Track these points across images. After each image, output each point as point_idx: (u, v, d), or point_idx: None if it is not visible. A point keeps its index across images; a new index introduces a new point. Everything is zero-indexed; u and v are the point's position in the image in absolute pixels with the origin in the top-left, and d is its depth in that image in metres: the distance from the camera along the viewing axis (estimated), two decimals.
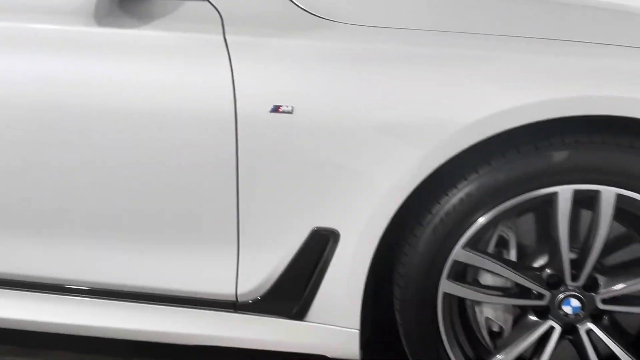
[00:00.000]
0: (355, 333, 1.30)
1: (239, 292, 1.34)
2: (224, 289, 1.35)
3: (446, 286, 1.22)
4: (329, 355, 1.35)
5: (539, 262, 1.25)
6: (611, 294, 1.19)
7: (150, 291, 1.38)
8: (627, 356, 1.20)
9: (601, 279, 1.20)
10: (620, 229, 1.26)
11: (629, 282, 1.18)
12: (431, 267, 1.22)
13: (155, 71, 1.26)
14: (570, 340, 1.24)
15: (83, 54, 1.29)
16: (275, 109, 1.21)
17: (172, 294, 1.37)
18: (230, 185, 1.28)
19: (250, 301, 1.34)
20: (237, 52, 1.22)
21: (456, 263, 1.21)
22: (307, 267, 1.29)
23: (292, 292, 1.32)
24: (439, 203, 1.21)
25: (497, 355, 1.25)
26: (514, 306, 1.28)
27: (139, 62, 1.27)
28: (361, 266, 1.26)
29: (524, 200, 1.16)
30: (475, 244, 1.22)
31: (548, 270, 1.22)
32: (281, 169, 1.25)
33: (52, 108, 1.29)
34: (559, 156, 1.13)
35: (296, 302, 1.32)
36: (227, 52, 1.22)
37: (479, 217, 1.18)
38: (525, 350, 1.25)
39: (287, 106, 1.20)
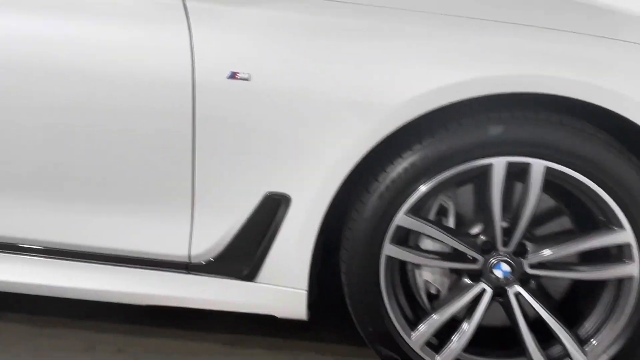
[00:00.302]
0: (303, 294, 1.37)
1: (192, 253, 1.39)
2: (177, 250, 1.39)
3: (389, 250, 1.30)
4: (277, 315, 1.42)
5: (474, 230, 1.35)
6: (538, 260, 1.30)
7: (105, 251, 1.41)
8: (551, 318, 1.31)
9: (530, 246, 1.31)
10: (551, 202, 1.37)
11: (555, 249, 1.29)
12: (376, 231, 1.30)
13: (114, 33, 1.28)
14: (500, 303, 1.34)
15: (41, 13, 1.30)
16: (233, 76, 1.26)
17: (127, 254, 1.41)
18: (186, 149, 1.32)
19: (203, 262, 1.39)
20: (197, 17, 1.25)
21: (399, 228, 1.29)
22: (259, 230, 1.35)
23: (243, 254, 1.37)
24: (385, 171, 1.29)
25: (433, 315, 1.34)
26: (450, 270, 1.37)
27: (98, 24, 1.29)
28: (311, 230, 1.32)
29: (463, 170, 1.25)
30: (417, 211, 1.30)
31: (482, 237, 1.32)
32: (237, 135, 1.30)
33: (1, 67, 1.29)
34: (496, 130, 1.22)
35: (247, 263, 1.37)
36: (186, 18, 1.26)
37: (421, 185, 1.27)
38: (459, 311, 1.35)
39: (244, 73, 1.25)
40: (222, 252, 1.38)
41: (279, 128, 1.29)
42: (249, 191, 1.33)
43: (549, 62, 1.20)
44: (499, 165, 1.23)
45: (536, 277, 1.33)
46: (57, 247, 1.42)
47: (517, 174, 1.27)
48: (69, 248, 1.41)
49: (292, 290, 1.37)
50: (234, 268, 1.39)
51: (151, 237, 1.39)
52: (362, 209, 1.31)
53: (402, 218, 1.29)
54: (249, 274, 1.38)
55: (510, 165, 1.23)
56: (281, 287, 1.38)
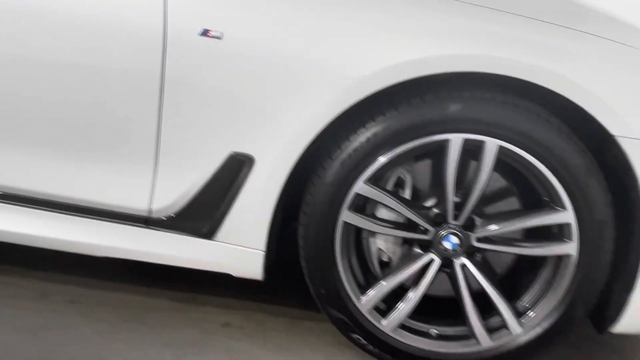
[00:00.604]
0: (261, 254, 1.41)
1: (153, 208, 1.41)
2: (138, 204, 1.41)
3: (346, 216, 1.36)
4: (234, 274, 1.45)
5: (428, 203, 1.41)
6: (485, 234, 1.37)
7: (66, 200, 1.42)
8: (493, 291, 1.38)
9: (478, 221, 1.38)
10: (502, 181, 1.45)
11: (501, 225, 1.37)
12: (335, 197, 1.35)
13: None
14: (446, 273, 1.42)
15: None
16: (205, 33, 1.27)
17: (89, 205, 1.41)
18: (154, 104, 1.34)
19: (163, 218, 1.41)
20: None
21: (358, 196, 1.35)
22: (221, 189, 1.38)
23: (204, 212, 1.40)
24: (349, 140, 1.33)
25: (382, 282, 1.40)
26: (403, 240, 1.44)
27: None
28: (272, 192, 1.36)
29: (422, 144, 1.31)
30: (376, 181, 1.36)
31: (435, 210, 1.38)
32: (204, 93, 1.32)
33: None
34: (455, 107, 1.28)
35: (207, 222, 1.40)
36: None
37: (381, 156, 1.32)
38: (407, 280, 1.41)
39: (216, 32, 1.27)
40: (183, 208, 1.40)
41: (247, 89, 1.32)
42: (213, 150, 1.36)
43: (502, 44, 1.26)
44: (455, 141, 1.29)
45: (482, 251, 1.40)
46: (16, 192, 1.41)
47: (471, 152, 1.33)
48: (29, 195, 1.41)
49: (250, 250, 1.41)
50: (194, 225, 1.41)
51: (114, 189, 1.40)
52: (323, 175, 1.35)
53: (361, 186, 1.34)
54: (209, 232, 1.41)
55: (466, 143, 1.30)
56: (239, 247, 1.41)
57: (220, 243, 1.42)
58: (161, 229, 1.43)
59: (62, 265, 1.66)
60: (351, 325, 1.41)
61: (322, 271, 1.40)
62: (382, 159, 1.32)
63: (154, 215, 1.41)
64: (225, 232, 1.41)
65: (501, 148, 1.29)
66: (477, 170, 1.32)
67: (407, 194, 1.41)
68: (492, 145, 1.29)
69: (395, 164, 1.37)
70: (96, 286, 1.63)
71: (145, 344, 1.44)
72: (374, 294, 1.40)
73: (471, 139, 1.29)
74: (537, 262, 1.41)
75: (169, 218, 1.41)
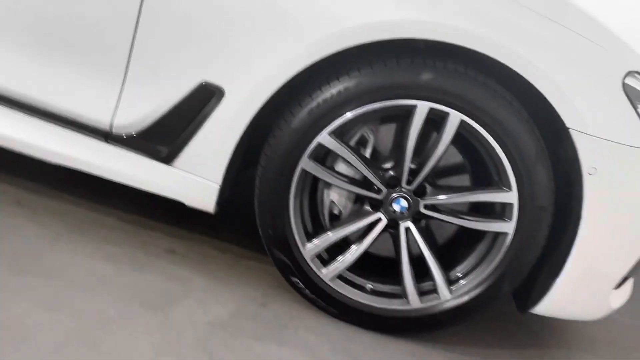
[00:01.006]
0: (216, 188, 1.43)
1: (115, 123, 1.41)
2: (101, 116, 1.41)
3: (306, 163, 1.39)
4: (186, 203, 1.47)
5: (386, 165, 1.46)
6: (433, 202, 1.43)
7: (29, 101, 1.40)
8: (430, 256, 1.45)
9: (429, 189, 1.44)
10: (458, 157, 1.51)
11: (449, 196, 1.44)
12: (298, 143, 1.38)
13: None
14: (390, 234, 1.48)
15: None
16: None
17: (52, 109, 1.40)
18: (131, 19, 1.33)
19: (123, 135, 1.41)
20: None
21: (320, 146, 1.38)
22: (187, 116, 1.39)
23: (166, 136, 1.41)
24: (320, 90, 1.36)
25: (329, 232, 1.45)
26: (355, 197, 1.49)
27: None
28: (237, 128, 1.38)
29: (389, 106, 1.35)
30: (341, 135, 1.39)
31: (391, 172, 1.43)
32: (182, 18, 1.32)
33: None
34: (427, 76, 1.32)
35: (168, 146, 1.41)
36: None
37: (349, 111, 1.35)
38: (353, 234, 1.47)
39: None
40: (145, 129, 1.41)
41: (226, 23, 1.32)
42: (184, 75, 1.36)
43: (478, 19, 1.28)
44: (422, 108, 1.34)
45: (427, 218, 1.47)
46: None
47: (434, 123, 1.38)
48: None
49: (206, 182, 1.43)
50: (154, 148, 1.42)
51: (80, 95, 1.39)
52: (290, 120, 1.38)
53: (325, 137, 1.37)
54: (167, 156, 1.42)
55: (431, 111, 1.35)
56: (196, 177, 1.43)
57: (177, 170, 1.43)
58: (120, 146, 1.43)
59: (13, 166, 1.64)
60: (293, 269, 1.46)
61: (273, 213, 1.44)
62: (349, 115, 1.36)
63: (115, 130, 1.41)
64: (184, 160, 1.42)
65: (463, 122, 1.35)
66: (437, 140, 1.38)
67: (367, 152, 1.45)
68: (455, 118, 1.34)
69: (361, 122, 1.40)
70: (46, 193, 1.62)
71: (86, 254, 1.45)
72: (319, 243, 1.45)
73: (436, 109, 1.34)
74: (475, 236, 1.49)
75: (130, 137, 1.41)
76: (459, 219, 1.45)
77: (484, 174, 1.45)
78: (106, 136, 1.42)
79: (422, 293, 1.47)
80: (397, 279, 1.47)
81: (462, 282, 1.47)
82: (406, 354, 1.45)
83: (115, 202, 1.66)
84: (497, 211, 1.44)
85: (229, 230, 1.72)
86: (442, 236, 1.57)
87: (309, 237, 1.46)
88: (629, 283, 1.56)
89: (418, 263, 1.47)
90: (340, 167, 1.45)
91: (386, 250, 1.52)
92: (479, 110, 1.33)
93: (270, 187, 1.42)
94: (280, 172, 1.40)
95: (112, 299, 1.33)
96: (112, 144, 1.43)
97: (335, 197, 1.49)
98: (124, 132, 1.41)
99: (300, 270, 1.46)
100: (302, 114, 1.37)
